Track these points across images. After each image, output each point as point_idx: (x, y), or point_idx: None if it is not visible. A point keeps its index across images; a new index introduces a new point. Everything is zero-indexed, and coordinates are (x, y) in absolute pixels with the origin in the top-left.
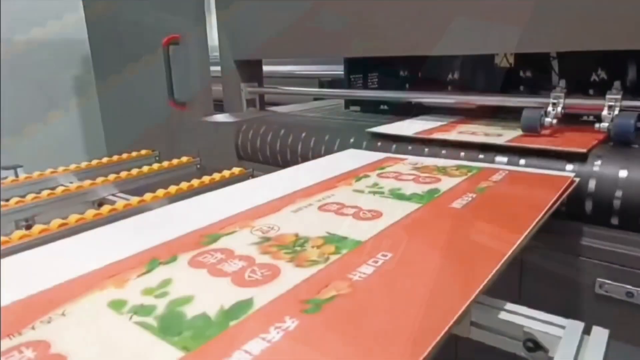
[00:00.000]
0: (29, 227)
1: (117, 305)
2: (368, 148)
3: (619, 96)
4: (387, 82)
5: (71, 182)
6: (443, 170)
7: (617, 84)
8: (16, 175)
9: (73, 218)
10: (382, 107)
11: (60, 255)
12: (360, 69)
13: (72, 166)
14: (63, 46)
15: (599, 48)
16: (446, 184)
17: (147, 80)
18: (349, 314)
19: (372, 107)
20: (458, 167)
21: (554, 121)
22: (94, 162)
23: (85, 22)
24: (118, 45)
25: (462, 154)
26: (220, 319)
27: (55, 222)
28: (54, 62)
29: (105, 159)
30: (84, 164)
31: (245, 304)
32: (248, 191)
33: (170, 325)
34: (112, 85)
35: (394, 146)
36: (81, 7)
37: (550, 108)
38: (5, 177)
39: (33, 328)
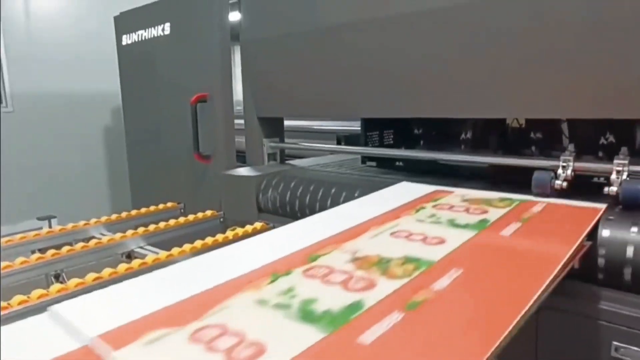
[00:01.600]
0: (57, 277)
1: (262, 302)
2: None
3: (626, 161)
4: (402, 139)
5: (102, 234)
6: (488, 202)
7: (624, 149)
8: (50, 226)
9: (106, 272)
10: (397, 163)
11: (198, 270)
12: (376, 126)
13: (103, 218)
14: (97, 98)
15: (607, 117)
16: (493, 214)
17: (173, 132)
18: (436, 311)
19: (387, 163)
20: (501, 199)
21: (564, 183)
22: (123, 214)
23: (119, 76)
24: (148, 99)
25: None
26: (343, 314)
27: (90, 276)
28: (86, 113)
29: (133, 212)
30: (114, 216)
31: (359, 304)
32: (328, 221)
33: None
34: (140, 136)
35: None
36: (116, 61)
37: (560, 170)
38: (41, 228)
39: (210, 314)
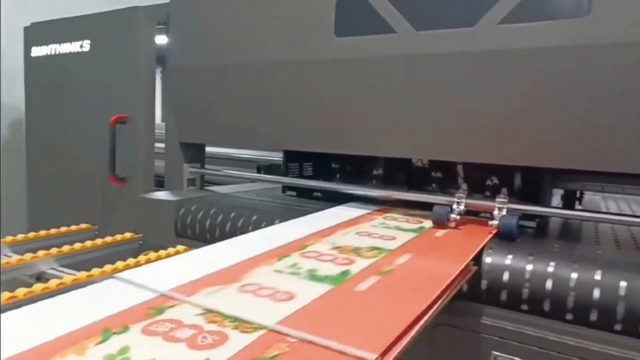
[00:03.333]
0: None
1: None
2: None
3: (505, 200)
4: (321, 172)
5: (6, 255)
6: (357, 252)
7: (504, 190)
8: None
9: (21, 292)
10: (315, 193)
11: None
12: (297, 158)
13: (8, 238)
14: None
15: (491, 162)
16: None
17: (86, 152)
18: None
19: (306, 193)
20: (371, 249)
21: (458, 217)
22: (31, 234)
23: (24, 88)
24: (59, 115)
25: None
26: None
27: (4, 295)
28: None
29: (42, 232)
30: (20, 236)
31: None
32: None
33: None
34: (45, 153)
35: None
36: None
37: (455, 206)
38: None
39: None
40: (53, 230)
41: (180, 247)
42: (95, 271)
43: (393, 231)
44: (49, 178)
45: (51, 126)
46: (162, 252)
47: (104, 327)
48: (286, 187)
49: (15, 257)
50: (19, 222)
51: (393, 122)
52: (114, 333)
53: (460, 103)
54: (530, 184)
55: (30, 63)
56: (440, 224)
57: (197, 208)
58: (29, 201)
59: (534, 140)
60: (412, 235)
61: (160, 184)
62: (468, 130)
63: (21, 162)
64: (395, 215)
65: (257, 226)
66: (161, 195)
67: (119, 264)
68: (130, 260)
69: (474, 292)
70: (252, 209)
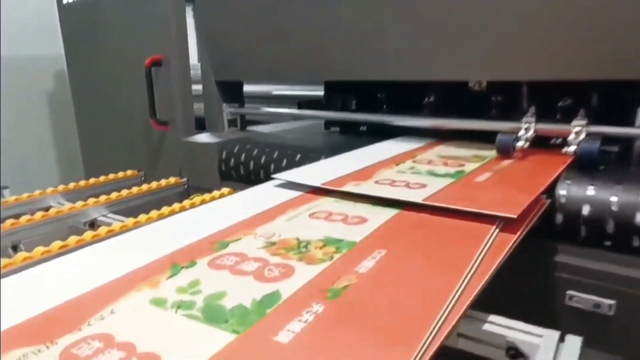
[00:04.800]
0: (15, 249)
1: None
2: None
3: (584, 122)
4: (365, 104)
5: (60, 203)
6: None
7: (582, 111)
8: (2, 196)
9: (72, 240)
10: (361, 128)
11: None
12: (339, 90)
13: (60, 187)
14: (34, 61)
15: (565, 78)
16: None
17: (127, 98)
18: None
19: (351, 128)
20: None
21: (526, 144)
22: (82, 182)
23: (61, 38)
24: (96, 63)
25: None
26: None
27: (56, 244)
28: (24, 78)
29: (92, 180)
30: (71, 185)
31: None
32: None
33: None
34: (90, 103)
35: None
36: (57, 22)
37: (522, 132)
38: None
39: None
40: (102, 178)
41: (225, 190)
42: (142, 217)
43: (424, 177)
44: (97, 127)
45: (92, 74)
46: (207, 196)
47: (171, 262)
48: (329, 124)
49: (67, 205)
50: (77, 171)
51: (444, 39)
52: (182, 267)
53: (523, 9)
54: (611, 102)
55: (64, 11)
56: (505, 153)
57: (239, 149)
58: (83, 151)
59: (616, 47)
60: (448, 181)
61: (203, 127)
62: (534, 42)
63: (70, 113)
64: (427, 156)
65: (301, 164)
66: (203, 137)
67: (165, 209)
68: (176, 205)
69: (548, 228)
70: (295, 147)
